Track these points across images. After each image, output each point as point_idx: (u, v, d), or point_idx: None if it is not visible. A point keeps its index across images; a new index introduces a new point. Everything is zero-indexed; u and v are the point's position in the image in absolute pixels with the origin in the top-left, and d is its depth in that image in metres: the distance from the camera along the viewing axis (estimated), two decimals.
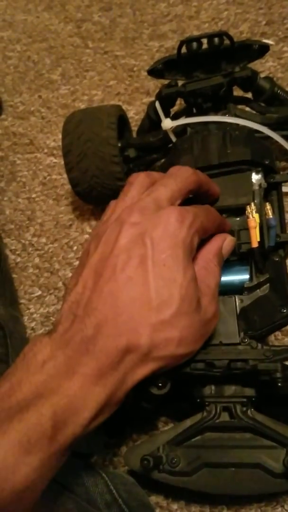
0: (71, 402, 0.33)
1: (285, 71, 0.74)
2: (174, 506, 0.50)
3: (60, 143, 0.80)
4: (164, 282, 0.36)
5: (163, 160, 0.59)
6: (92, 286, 0.37)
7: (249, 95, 0.62)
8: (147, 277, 0.36)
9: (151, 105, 0.62)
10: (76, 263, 0.70)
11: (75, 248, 0.72)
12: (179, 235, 0.38)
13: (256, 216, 0.46)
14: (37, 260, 0.72)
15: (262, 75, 0.61)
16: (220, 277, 0.43)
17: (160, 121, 0.58)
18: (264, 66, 0.75)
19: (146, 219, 0.38)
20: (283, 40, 0.78)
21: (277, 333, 0.57)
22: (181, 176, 0.43)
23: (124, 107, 0.81)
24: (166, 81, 0.62)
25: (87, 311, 0.36)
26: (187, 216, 0.39)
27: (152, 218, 0.38)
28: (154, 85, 0.81)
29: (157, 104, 0.58)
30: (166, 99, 0.59)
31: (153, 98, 0.64)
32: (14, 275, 0.71)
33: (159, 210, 0.39)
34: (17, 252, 0.74)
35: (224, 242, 0.44)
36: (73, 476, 0.44)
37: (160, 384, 0.42)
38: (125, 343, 0.34)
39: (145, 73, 0.83)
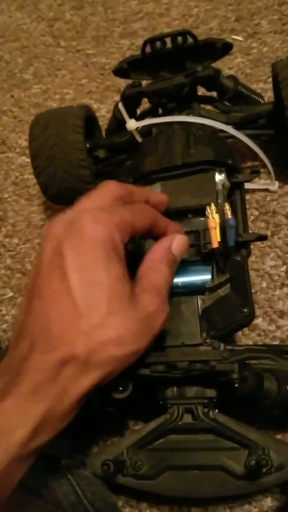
0: (2, 422, 0.32)
1: (253, 67, 0.74)
2: (144, 505, 0.51)
3: None
4: (87, 287, 0.36)
5: (128, 163, 0.59)
6: (26, 310, 0.37)
7: (214, 94, 0.62)
8: (70, 286, 0.36)
9: (117, 106, 0.61)
10: None
11: None
12: (95, 235, 0.37)
13: (216, 216, 0.46)
14: (9, 261, 0.72)
15: (230, 72, 0.61)
16: (172, 277, 0.43)
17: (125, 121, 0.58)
18: (233, 63, 0.75)
19: (63, 229, 0.38)
20: (252, 36, 0.78)
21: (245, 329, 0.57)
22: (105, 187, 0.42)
23: (96, 105, 0.81)
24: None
25: (23, 334, 0.36)
26: (101, 214, 0.38)
27: (68, 227, 0.38)
28: (126, 83, 0.79)
29: (120, 105, 0.58)
30: (130, 100, 0.58)
31: None
32: None
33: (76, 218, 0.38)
34: None
35: (174, 242, 0.44)
36: (38, 477, 0.44)
37: (121, 388, 0.42)
38: (60, 356, 0.34)
39: None
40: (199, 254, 0.49)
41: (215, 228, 0.46)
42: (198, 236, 0.50)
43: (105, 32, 0.88)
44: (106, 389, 0.41)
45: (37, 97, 0.86)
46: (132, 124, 0.56)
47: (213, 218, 0.46)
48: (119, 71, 0.61)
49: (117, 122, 0.62)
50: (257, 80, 0.71)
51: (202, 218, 0.50)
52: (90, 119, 0.65)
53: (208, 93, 0.63)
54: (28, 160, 0.80)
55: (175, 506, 0.50)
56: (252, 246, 0.52)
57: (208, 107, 0.61)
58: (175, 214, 0.52)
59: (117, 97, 0.80)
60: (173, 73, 0.59)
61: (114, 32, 0.87)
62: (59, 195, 0.65)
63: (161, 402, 0.45)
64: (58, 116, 0.63)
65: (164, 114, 0.57)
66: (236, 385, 0.40)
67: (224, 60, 0.69)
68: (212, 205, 0.47)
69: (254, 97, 0.59)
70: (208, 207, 0.47)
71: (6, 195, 0.78)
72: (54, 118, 0.63)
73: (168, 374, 0.42)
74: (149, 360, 0.43)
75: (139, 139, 0.58)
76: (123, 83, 0.81)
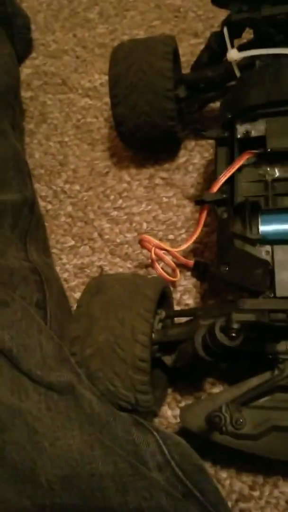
0: None
1: None
2: (223, 475, 0.46)
3: (96, 84, 0.75)
4: None
5: (226, 97, 0.53)
6: None
7: None
8: None
9: (215, 35, 0.55)
10: (113, 213, 0.65)
11: (112, 197, 0.66)
12: None
13: None
14: (69, 208, 0.67)
15: None
16: None
17: (224, 52, 0.52)
18: None
19: None
20: None
21: None
22: None
23: None
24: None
25: None
26: None
27: None
28: (203, 26, 0.74)
29: (225, 31, 0.52)
30: (234, 27, 0.52)
31: (201, 40, 0.58)
32: (45, 223, 0.66)
33: None
34: (48, 199, 0.68)
35: None
36: (123, 432, 0.39)
37: (233, 335, 0.37)
38: None
39: (193, 14, 0.77)
40: None
41: None
42: None
43: None
44: (214, 335, 0.36)
45: (102, 37, 0.80)
46: (234, 54, 0.50)
47: None
48: (217, 0, 0.55)
49: (211, 54, 0.56)
50: None
51: None
52: (175, 52, 0.59)
53: None
54: (92, 102, 0.75)
55: (259, 479, 0.45)
56: None
57: None
58: (279, 156, 0.47)
59: (194, 41, 0.74)
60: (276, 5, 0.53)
61: None
62: (134, 131, 0.59)
63: (270, 357, 0.40)
64: (145, 43, 0.57)
65: (269, 47, 0.51)
66: None
67: None
68: None
69: None
70: None
71: (66, 139, 0.73)
72: (140, 45, 0.57)
73: None
74: (268, 307, 0.38)
75: (238, 73, 0.52)
76: (200, 26, 0.76)
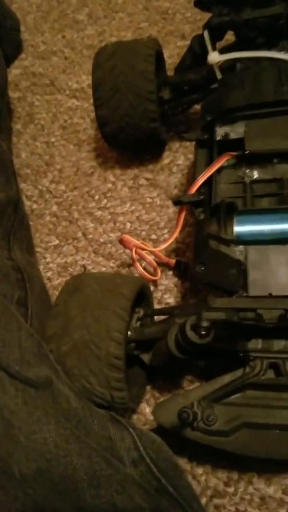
0: None
1: None
2: (199, 471, 0.46)
3: (83, 85, 0.75)
4: None
5: (207, 99, 0.54)
6: None
7: None
8: None
9: (197, 38, 0.56)
10: (98, 213, 0.65)
11: (96, 197, 0.66)
12: None
13: None
14: (54, 208, 0.67)
15: None
16: None
17: (206, 54, 0.52)
18: None
19: None
20: None
21: None
22: None
23: None
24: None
25: None
26: None
27: None
28: (190, 28, 0.75)
29: (206, 34, 0.52)
30: (215, 30, 0.53)
31: (188, 42, 0.58)
32: (29, 222, 0.66)
33: None
34: (33, 199, 0.69)
35: None
36: (99, 428, 0.40)
37: (203, 333, 0.37)
38: None
39: (181, 16, 0.78)
40: (284, 202, 0.44)
41: None
42: (282, 185, 0.45)
43: None
44: (185, 333, 0.38)
45: (91, 39, 0.80)
46: (215, 57, 0.51)
47: None
48: (200, 3, 0.56)
49: (193, 57, 0.57)
50: None
51: None
52: (159, 54, 0.60)
53: None
54: (79, 103, 0.75)
55: (234, 475, 0.46)
56: None
57: None
58: (258, 158, 0.47)
59: (181, 43, 0.75)
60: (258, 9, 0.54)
61: None
62: (117, 133, 0.60)
63: (241, 355, 0.40)
64: (127, 45, 0.58)
65: (250, 49, 0.52)
66: None
67: None
68: None
69: None
70: None
71: (53, 139, 0.73)
72: (122, 47, 0.58)
73: (259, 323, 0.38)
74: (237, 306, 0.38)
75: (219, 76, 0.53)
76: (187, 28, 0.77)
